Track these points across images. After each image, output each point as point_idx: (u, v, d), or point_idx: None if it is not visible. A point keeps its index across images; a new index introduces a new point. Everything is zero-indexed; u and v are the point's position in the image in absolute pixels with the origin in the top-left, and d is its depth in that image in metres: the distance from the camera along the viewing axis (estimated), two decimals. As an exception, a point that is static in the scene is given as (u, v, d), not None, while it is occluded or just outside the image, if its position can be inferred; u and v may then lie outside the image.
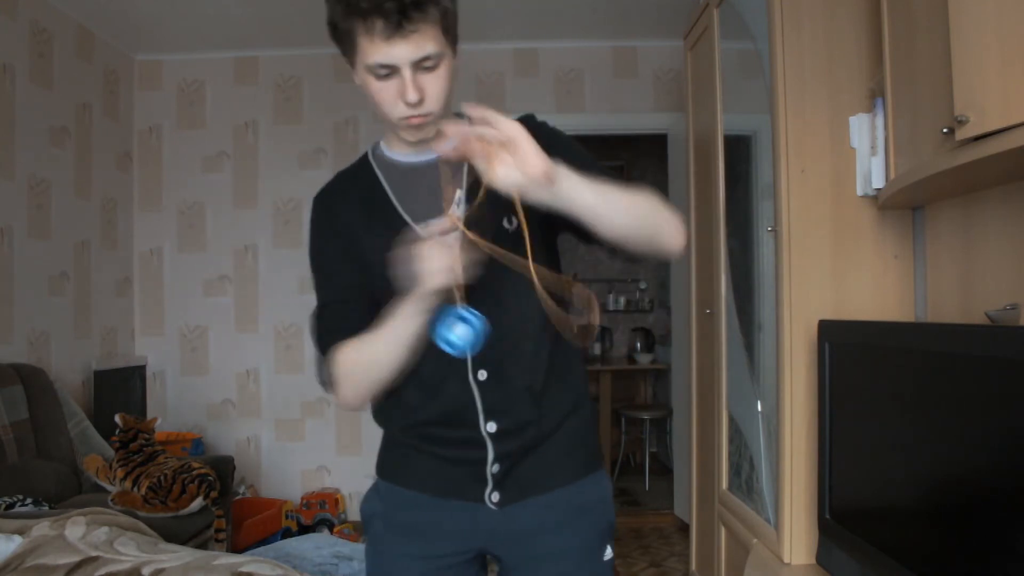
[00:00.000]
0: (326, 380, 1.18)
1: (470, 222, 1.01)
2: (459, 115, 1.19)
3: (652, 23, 3.86)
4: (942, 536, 1.35)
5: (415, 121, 1.09)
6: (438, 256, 1.00)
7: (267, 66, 4.15)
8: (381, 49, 1.02)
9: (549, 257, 1.20)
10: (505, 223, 1.13)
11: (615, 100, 4.16)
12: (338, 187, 1.24)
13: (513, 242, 1.12)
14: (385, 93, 1.06)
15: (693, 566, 3.03)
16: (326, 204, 1.23)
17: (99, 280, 3.79)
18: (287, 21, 3.72)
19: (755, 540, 2.19)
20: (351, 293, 1.18)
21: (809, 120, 1.98)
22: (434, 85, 1.07)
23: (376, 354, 1.11)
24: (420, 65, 1.04)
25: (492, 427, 1.14)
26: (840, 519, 1.73)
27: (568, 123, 3.97)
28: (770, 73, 2.04)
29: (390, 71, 1.04)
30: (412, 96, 1.05)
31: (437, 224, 1.01)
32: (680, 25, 3.14)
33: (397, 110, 1.07)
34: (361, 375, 1.14)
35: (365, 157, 1.24)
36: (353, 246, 1.17)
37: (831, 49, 2.00)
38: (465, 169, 1.13)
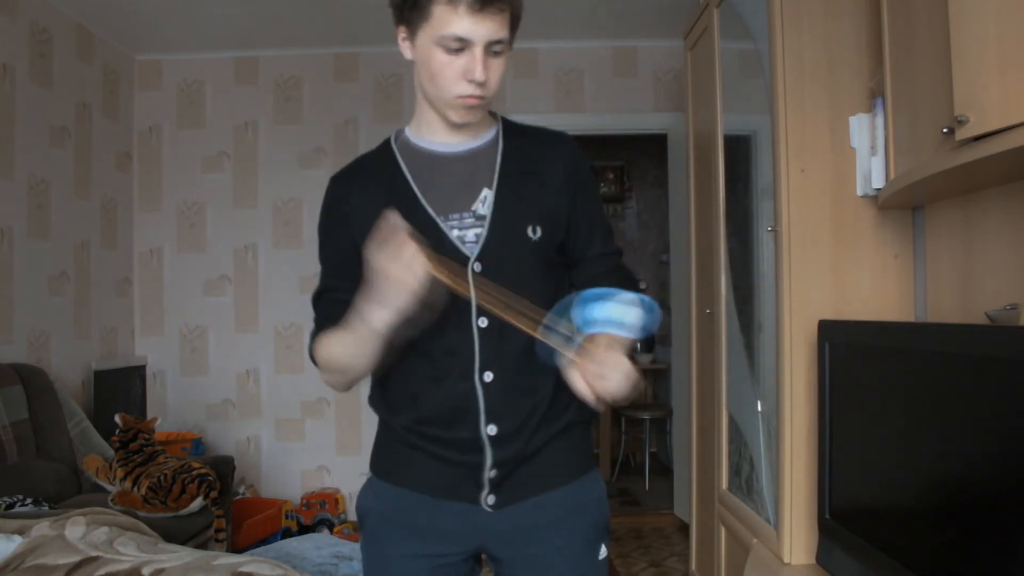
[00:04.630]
0: (315, 362, 1.21)
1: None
2: (493, 114, 1.22)
3: (652, 23, 3.86)
4: (942, 536, 1.35)
5: (472, 102, 1.09)
6: (402, 259, 1.01)
7: (267, 66, 4.15)
8: (464, 22, 1.03)
9: (557, 274, 1.22)
10: (530, 232, 1.15)
11: (615, 100, 4.16)
12: (357, 171, 1.23)
13: (535, 251, 1.16)
14: (450, 69, 1.07)
15: (693, 566, 3.03)
16: (341, 187, 1.22)
17: (99, 280, 3.79)
18: (287, 21, 3.72)
19: (755, 540, 2.19)
20: (349, 283, 1.16)
21: (809, 120, 1.98)
22: (496, 71, 1.09)
23: (343, 350, 1.14)
24: (491, 47, 1.06)
25: (492, 430, 1.13)
26: (840, 519, 1.73)
27: (568, 123, 4.02)
28: (770, 73, 2.04)
29: (462, 47, 1.05)
30: (480, 75, 1.06)
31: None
32: (680, 25, 3.14)
33: (458, 87, 1.08)
34: (335, 368, 1.17)
35: (387, 143, 1.23)
36: (362, 234, 1.12)
37: (831, 49, 1.99)
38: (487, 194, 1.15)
